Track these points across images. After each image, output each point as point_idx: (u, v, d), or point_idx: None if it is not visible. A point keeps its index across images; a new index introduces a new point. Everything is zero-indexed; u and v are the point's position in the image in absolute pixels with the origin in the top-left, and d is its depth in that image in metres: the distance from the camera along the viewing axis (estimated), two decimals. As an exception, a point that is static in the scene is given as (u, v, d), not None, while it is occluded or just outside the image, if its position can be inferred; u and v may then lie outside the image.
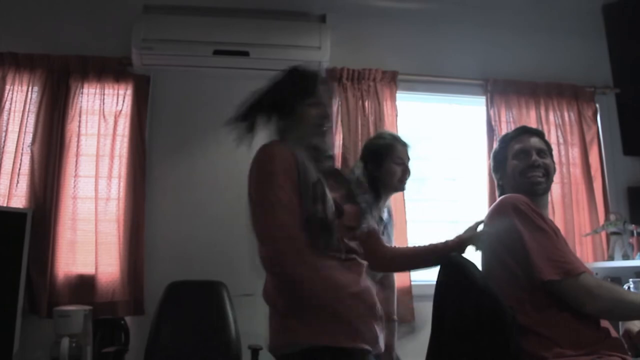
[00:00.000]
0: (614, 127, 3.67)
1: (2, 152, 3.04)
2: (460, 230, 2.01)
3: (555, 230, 1.75)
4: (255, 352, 2.68)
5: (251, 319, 2.76)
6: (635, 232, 3.26)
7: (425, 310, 3.13)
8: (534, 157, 1.92)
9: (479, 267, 1.76)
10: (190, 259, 3.08)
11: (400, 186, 2.45)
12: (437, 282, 1.81)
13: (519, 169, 1.93)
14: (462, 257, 1.70)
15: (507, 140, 2.03)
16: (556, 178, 3.49)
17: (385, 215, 2.46)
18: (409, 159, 2.45)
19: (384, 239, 2.20)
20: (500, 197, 1.91)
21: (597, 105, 3.73)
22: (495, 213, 1.85)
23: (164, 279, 2.93)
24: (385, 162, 2.39)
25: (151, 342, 2.74)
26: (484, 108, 3.58)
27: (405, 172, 2.43)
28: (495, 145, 2.14)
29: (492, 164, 2.10)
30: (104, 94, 3.20)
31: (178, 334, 2.78)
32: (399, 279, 3.18)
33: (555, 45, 3.74)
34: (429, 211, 3.58)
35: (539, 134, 2.04)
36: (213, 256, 3.10)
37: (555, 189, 3.49)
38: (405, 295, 3.21)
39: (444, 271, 1.79)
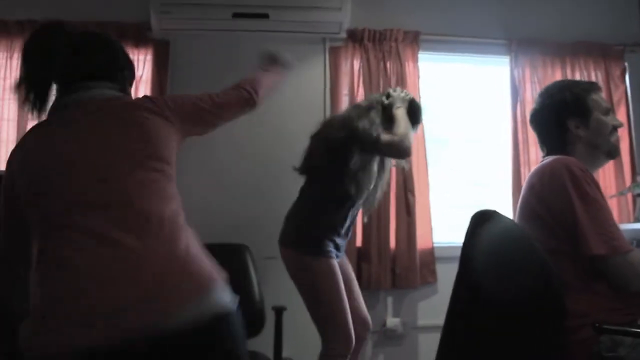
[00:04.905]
0: (643, 86, 3.58)
1: (27, 120, 3.06)
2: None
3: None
4: (279, 312, 2.72)
5: (275, 281, 2.80)
6: (662, 193, 3.21)
7: (447, 272, 3.15)
8: (617, 119, 1.84)
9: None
10: (212, 223, 3.08)
11: None
12: (467, 238, 1.54)
13: (610, 127, 1.81)
14: (498, 213, 1.62)
15: (586, 90, 1.84)
16: (582, 138, 3.46)
17: None
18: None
19: None
20: (554, 158, 1.75)
21: (626, 64, 3.62)
22: (547, 174, 1.71)
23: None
24: None
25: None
26: (508, 68, 3.51)
27: None
28: (559, 90, 1.88)
29: (562, 110, 1.83)
30: (124, 60, 3.20)
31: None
32: (422, 240, 3.20)
33: (581, 1, 3.62)
34: (451, 173, 3.56)
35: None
36: (236, 220, 3.12)
37: (581, 150, 3.43)
38: (428, 257, 3.23)
39: (478, 227, 1.54)
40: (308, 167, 2.40)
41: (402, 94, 2.44)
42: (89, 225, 1.20)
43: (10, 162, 1.37)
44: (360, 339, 2.39)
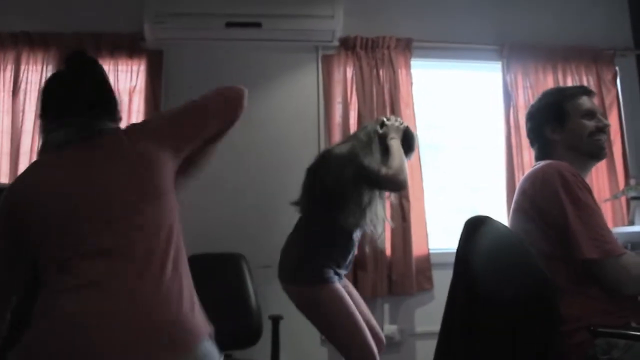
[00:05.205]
0: (634, 90, 3.61)
1: (20, 132, 3.06)
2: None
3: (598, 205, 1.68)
4: (275, 321, 2.72)
5: (271, 290, 2.79)
6: (656, 196, 3.22)
7: (443, 279, 3.16)
8: (604, 120, 1.85)
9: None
10: (209, 232, 3.09)
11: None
12: (461, 244, 1.57)
13: (589, 130, 1.81)
14: (491, 218, 1.63)
15: (567, 95, 1.87)
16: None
17: None
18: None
19: None
20: (546, 163, 1.77)
21: (617, 68, 3.65)
22: (539, 179, 1.72)
23: (183, 252, 2.96)
24: None
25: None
26: (500, 74, 3.53)
27: None
28: (542, 98, 1.96)
29: (539, 117, 1.90)
30: (117, 71, 3.19)
31: (199, 306, 2.82)
32: (417, 246, 3.21)
33: (573, 6, 3.65)
34: (445, 179, 3.57)
35: (594, 96, 1.94)
36: (231, 229, 3.12)
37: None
38: (424, 263, 3.23)
39: (471, 233, 1.56)
40: (309, 202, 2.35)
41: (397, 124, 2.42)
42: (89, 274, 1.21)
43: (12, 194, 1.34)
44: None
